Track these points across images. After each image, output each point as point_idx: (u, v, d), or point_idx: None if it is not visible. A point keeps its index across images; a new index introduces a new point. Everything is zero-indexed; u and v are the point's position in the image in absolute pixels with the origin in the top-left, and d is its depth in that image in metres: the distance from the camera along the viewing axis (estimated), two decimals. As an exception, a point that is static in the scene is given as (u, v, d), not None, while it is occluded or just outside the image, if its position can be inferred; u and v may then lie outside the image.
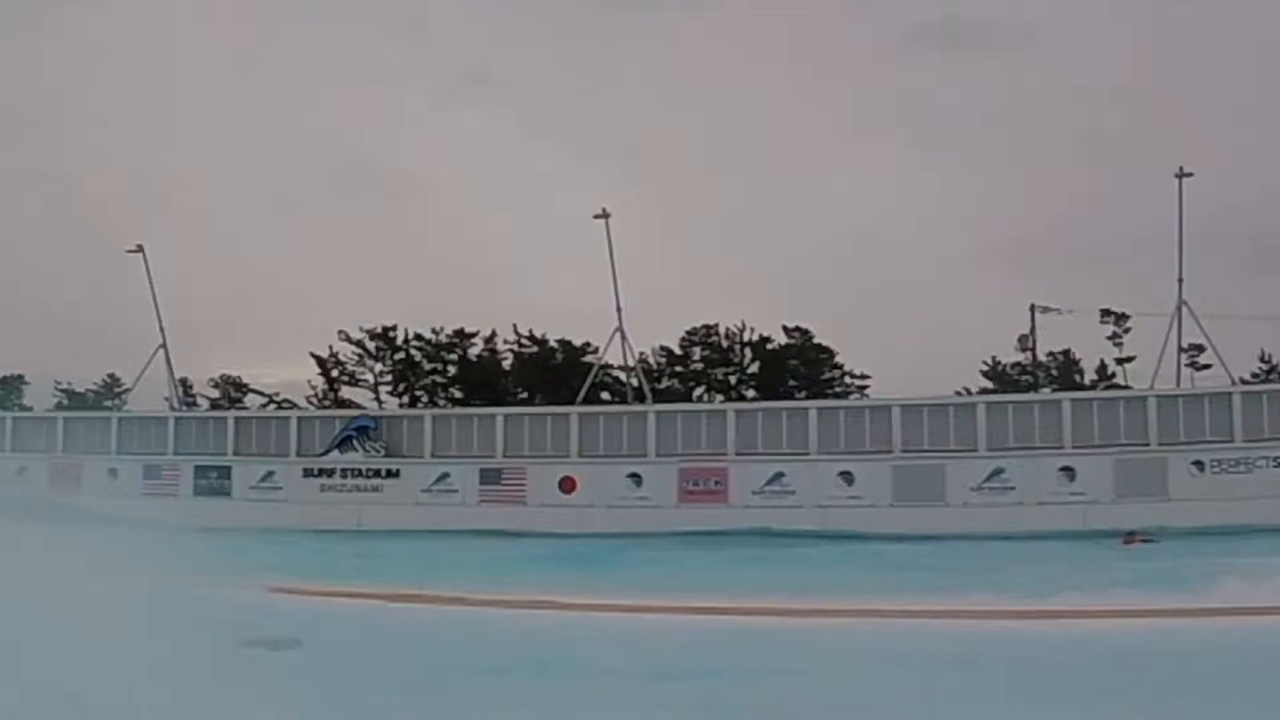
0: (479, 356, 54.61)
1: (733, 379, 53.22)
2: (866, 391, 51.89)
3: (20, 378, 55.55)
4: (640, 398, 45.06)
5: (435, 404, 52.32)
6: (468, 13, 74.29)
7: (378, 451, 42.96)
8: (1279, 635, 14.45)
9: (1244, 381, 43.08)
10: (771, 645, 14.11)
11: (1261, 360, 49.40)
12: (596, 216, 43.27)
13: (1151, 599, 17.34)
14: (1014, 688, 11.15)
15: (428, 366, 54.64)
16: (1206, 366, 43.27)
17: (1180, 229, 39.74)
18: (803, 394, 50.42)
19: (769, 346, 53.28)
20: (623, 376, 48.39)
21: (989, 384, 51.17)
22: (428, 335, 54.27)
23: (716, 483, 39.88)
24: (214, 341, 55.07)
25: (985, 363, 52.11)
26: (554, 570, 26.01)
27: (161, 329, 47.22)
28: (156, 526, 32.72)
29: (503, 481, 41.25)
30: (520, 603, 17.70)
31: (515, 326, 53.98)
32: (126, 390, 51.91)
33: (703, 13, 73.06)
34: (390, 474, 42.48)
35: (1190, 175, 39.63)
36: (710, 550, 31.90)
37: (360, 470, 42.76)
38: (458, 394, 53.30)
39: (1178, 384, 41.08)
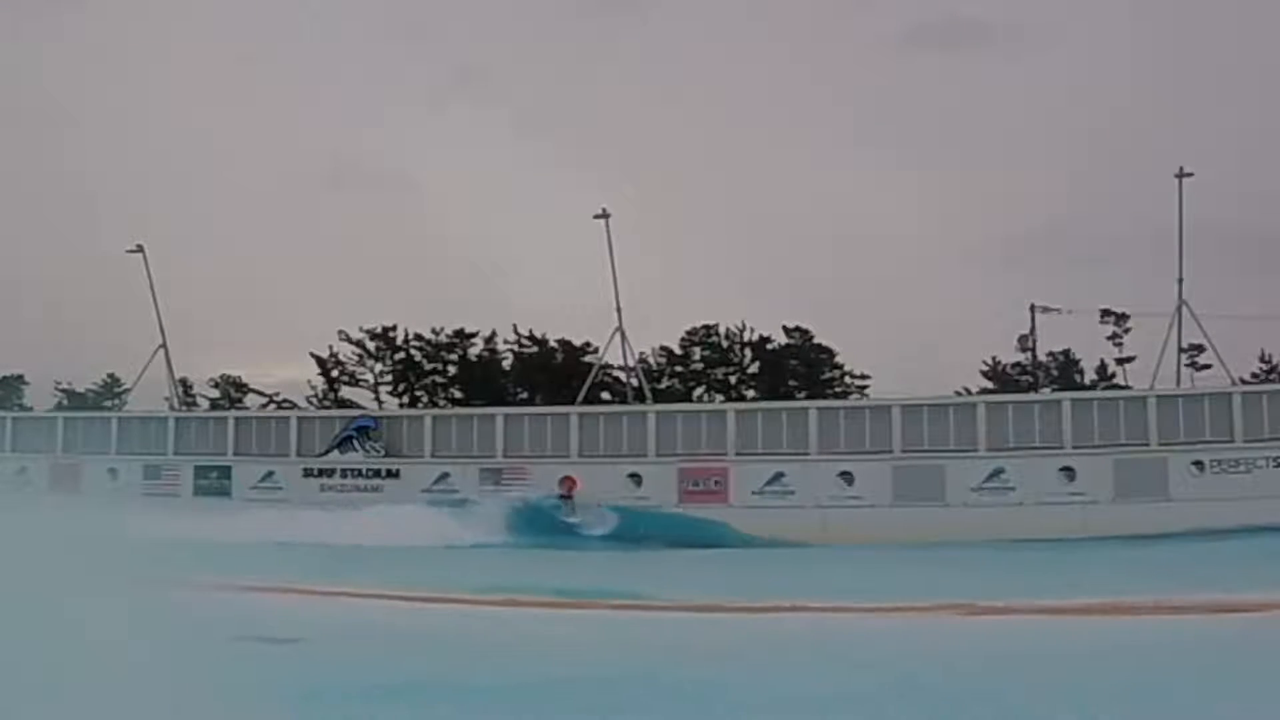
0: (479, 356, 54.58)
1: (733, 379, 53.20)
2: (866, 391, 51.86)
3: (20, 378, 55.52)
4: (640, 398, 45.05)
5: (435, 404, 52.29)
6: (467, 12, 74.35)
7: (378, 451, 42.94)
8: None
9: (1244, 381, 43.06)
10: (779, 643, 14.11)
11: (1261, 360, 49.42)
12: (596, 216, 43.33)
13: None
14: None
15: (428, 366, 54.61)
16: (1206, 366, 43.28)
17: (1180, 229, 39.78)
18: (803, 394, 50.37)
19: (769, 346, 53.25)
20: (623, 376, 48.37)
21: (989, 384, 51.15)
22: (428, 335, 54.29)
23: (716, 483, 39.88)
24: (214, 341, 55.04)
25: (985, 363, 52.14)
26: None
27: (161, 329, 47.32)
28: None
29: (503, 481, 41.22)
30: (521, 601, 17.71)
31: (515, 326, 54.02)
32: (126, 390, 51.95)
33: (702, 12, 73.13)
34: (390, 474, 42.46)
35: (1190, 175, 39.70)
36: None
37: (360, 470, 42.74)
38: (458, 394, 53.27)
39: (1178, 384, 41.07)
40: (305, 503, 40.77)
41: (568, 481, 40.15)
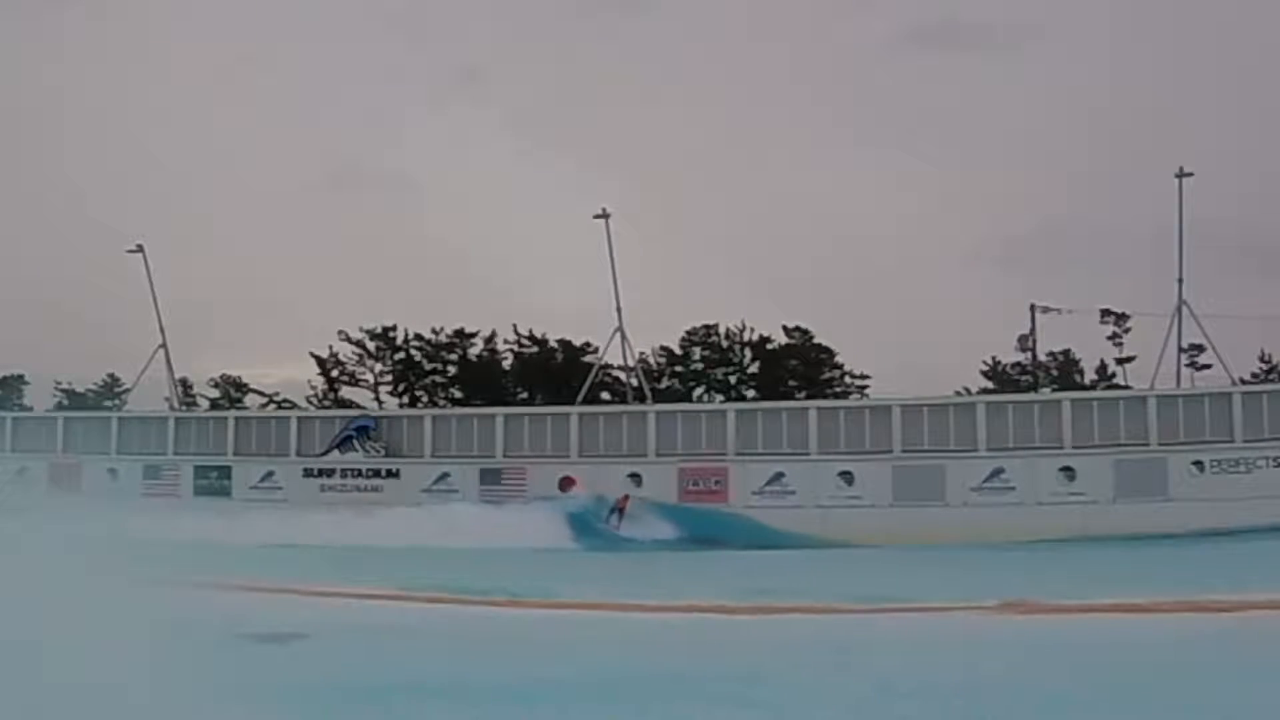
0: (479, 356, 54.57)
1: (733, 379, 53.18)
2: (866, 391, 51.88)
3: (20, 378, 55.52)
4: (640, 398, 45.03)
5: (435, 404, 52.28)
6: (467, 12, 74.39)
7: (378, 451, 42.94)
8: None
9: (1244, 381, 43.05)
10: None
11: (1261, 360, 49.40)
12: (597, 216, 43.33)
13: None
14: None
15: (428, 366, 54.61)
16: (1206, 366, 43.29)
17: (1180, 229, 39.79)
18: (803, 394, 50.38)
19: (769, 346, 53.25)
20: (623, 376, 48.38)
21: (989, 384, 51.15)
22: (428, 335, 54.29)
23: (716, 483, 39.88)
24: (214, 341, 55.11)
25: (985, 363, 52.15)
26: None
27: (161, 329, 47.31)
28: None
29: (503, 481, 41.21)
30: (522, 602, 17.70)
31: (515, 326, 54.03)
32: (126, 390, 51.94)
33: (702, 12, 73.17)
34: (390, 474, 42.46)
35: (1190, 175, 39.73)
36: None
37: (360, 470, 42.74)
38: (458, 394, 53.27)
39: (1178, 384, 41.07)
40: (306, 503, 40.72)
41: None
